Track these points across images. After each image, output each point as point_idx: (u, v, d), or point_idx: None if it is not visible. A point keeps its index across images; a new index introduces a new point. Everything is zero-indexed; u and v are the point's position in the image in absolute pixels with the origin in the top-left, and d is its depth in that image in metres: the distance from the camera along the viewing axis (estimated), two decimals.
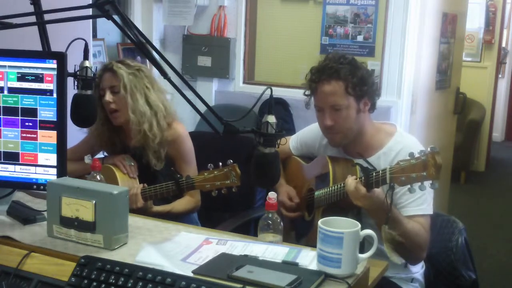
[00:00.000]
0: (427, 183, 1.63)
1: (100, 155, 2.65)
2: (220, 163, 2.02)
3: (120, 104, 2.38)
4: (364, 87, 2.04)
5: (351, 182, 1.84)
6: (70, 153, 2.44)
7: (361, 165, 1.80)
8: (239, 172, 1.99)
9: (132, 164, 2.42)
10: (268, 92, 1.50)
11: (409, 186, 1.67)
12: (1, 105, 1.71)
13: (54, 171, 1.72)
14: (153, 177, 2.43)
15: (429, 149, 1.62)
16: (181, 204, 2.40)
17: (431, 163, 1.60)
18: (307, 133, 2.36)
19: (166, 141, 2.42)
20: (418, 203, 1.96)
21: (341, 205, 1.95)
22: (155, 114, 2.39)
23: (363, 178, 1.80)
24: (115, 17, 1.54)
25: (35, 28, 1.85)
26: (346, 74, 2.02)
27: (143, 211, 2.17)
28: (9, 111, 1.71)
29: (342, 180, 1.94)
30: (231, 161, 2.01)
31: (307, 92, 2.12)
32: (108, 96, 2.38)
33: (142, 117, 2.36)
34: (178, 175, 2.13)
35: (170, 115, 2.46)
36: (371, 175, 1.75)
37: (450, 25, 4.14)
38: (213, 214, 2.73)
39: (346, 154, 2.14)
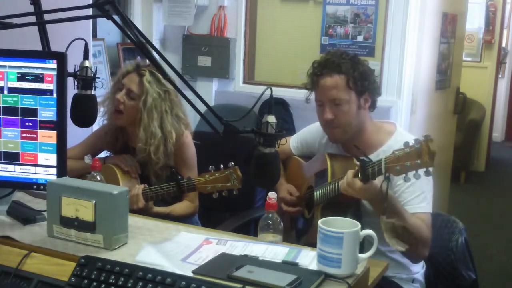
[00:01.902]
0: (422, 172, 1.63)
1: (102, 155, 2.66)
2: (222, 165, 2.01)
3: (129, 110, 2.38)
4: (365, 82, 2.05)
5: (345, 178, 1.84)
6: (73, 152, 2.46)
7: (357, 157, 1.80)
8: (240, 175, 1.99)
9: (131, 163, 2.41)
10: (268, 92, 1.50)
11: (404, 175, 1.67)
12: (1, 105, 1.71)
13: (54, 171, 1.72)
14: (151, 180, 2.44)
15: (422, 137, 1.62)
16: (180, 207, 2.40)
17: (425, 150, 1.59)
18: (307, 132, 2.36)
19: (171, 165, 2.41)
20: (418, 201, 1.96)
21: (340, 202, 1.95)
22: (165, 139, 2.37)
23: (359, 169, 1.80)
24: (115, 17, 1.54)
25: (35, 28, 1.85)
26: (347, 68, 2.03)
27: (143, 212, 2.17)
28: (9, 111, 1.71)
29: (341, 176, 1.94)
30: (233, 163, 2.01)
31: (309, 86, 2.13)
32: (122, 96, 2.37)
33: (151, 138, 2.35)
34: (179, 177, 2.13)
35: (181, 137, 2.44)
36: (367, 166, 1.75)
37: (450, 25, 4.14)
38: (213, 214, 2.73)
39: (345, 152, 2.14)
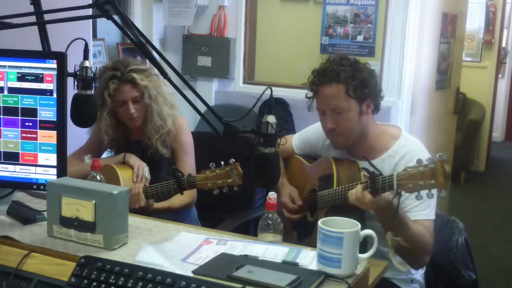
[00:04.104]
0: (435, 191, 1.62)
1: (104, 154, 2.66)
2: (222, 162, 2.02)
3: (141, 111, 2.44)
4: (365, 89, 2.02)
5: (354, 190, 1.81)
6: (79, 154, 2.47)
7: (367, 169, 1.77)
8: (241, 171, 1.99)
9: (147, 177, 2.43)
10: (268, 92, 1.50)
11: (416, 193, 1.65)
12: (1, 105, 1.71)
13: (54, 171, 1.72)
14: (157, 169, 2.46)
15: (437, 156, 1.60)
16: (179, 199, 2.40)
17: (440, 171, 1.57)
18: (311, 132, 2.35)
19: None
20: (421, 208, 1.94)
21: (344, 207, 1.93)
22: (173, 108, 2.49)
23: (368, 183, 1.77)
24: (115, 17, 1.54)
25: (35, 28, 1.85)
26: (346, 76, 2.00)
27: (144, 210, 2.17)
28: (9, 111, 1.71)
29: (346, 182, 1.93)
30: (233, 160, 2.01)
31: (309, 95, 2.12)
32: (133, 108, 2.41)
33: (167, 119, 2.44)
34: (180, 174, 2.13)
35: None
36: (378, 180, 1.72)
37: (450, 25, 4.14)
38: (213, 214, 2.73)
39: (349, 156, 2.13)
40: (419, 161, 1.63)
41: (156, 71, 2.45)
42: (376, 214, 1.88)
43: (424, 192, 1.63)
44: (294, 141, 2.41)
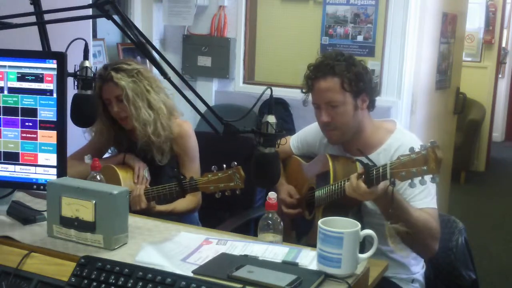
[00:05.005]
0: (428, 178, 1.63)
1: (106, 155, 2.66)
2: (224, 165, 2.01)
3: (127, 110, 2.39)
4: (360, 83, 2.04)
5: (349, 182, 1.83)
6: (76, 156, 2.46)
7: (361, 161, 1.79)
8: (244, 175, 1.98)
9: (147, 178, 2.42)
10: (268, 92, 1.50)
11: (409, 181, 1.66)
12: (1, 105, 1.71)
13: (54, 171, 1.72)
14: (158, 173, 2.45)
15: (429, 143, 1.62)
16: (182, 203, 2.40)
17: (432, 157, 1.59)
18: (308, 132, 2.36)
19: (171, 137, 2.45)
20: (421, 197, 1.95)
21: (342, 204, 1.95)
22: (158, 116, 2.39)
23: (363, 175, 1.79)
24: (115, 17, 1.54)
25: (35, 28, 1.85)
26: (341, 70, 2.03)
27: (146, 212, 2.17)
28: (9, 111, 1.71)
29: (343, 178, 1.94)
30: (235, 163, 2.00)
31: (304, 89, 2.13)
32: (116, 107, 2.38)
33: (146, 124, 2.37)
34: (182, 177, 2.13)
35: (173, 112, 2.48)
36: (372, 171, 1.74)
37: (450, 25, 4.14)
38: (213, 214, 2.73)
39: (346, 153, 2.14)
40: (411, 149, 1.65)
41: (148, 73, 2.43)
42: (376, 204, 1.89)
43: (417, 180, 1.64)
44: (292, 141, 2.42)
